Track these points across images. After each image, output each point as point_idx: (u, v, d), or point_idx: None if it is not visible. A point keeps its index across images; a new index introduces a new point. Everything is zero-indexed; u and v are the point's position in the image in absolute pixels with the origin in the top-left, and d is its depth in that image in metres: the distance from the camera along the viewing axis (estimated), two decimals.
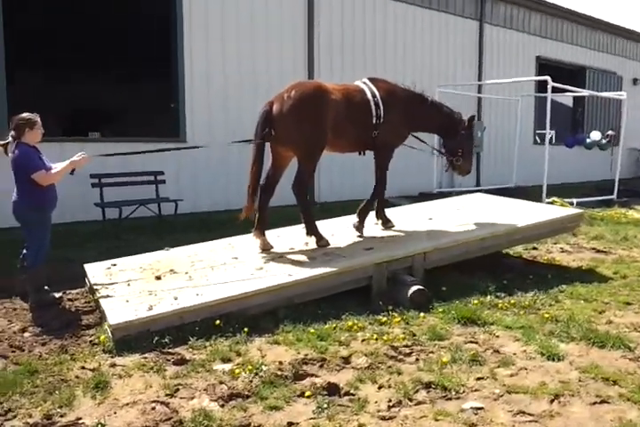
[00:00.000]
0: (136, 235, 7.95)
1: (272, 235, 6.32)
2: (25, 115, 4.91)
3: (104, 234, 7.89)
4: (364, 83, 6.21)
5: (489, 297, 5.24)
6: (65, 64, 13.89)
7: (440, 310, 4.86)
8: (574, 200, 11.55)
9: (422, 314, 4.77)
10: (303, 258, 5.41)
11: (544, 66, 16.48)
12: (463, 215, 6.80)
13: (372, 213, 6.46)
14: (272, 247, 5.76)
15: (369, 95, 6.02)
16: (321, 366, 3.82)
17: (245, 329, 4.32)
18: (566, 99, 18.13)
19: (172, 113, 9.73)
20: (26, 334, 4.45)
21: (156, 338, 4.13)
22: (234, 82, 10.14)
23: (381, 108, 6.01)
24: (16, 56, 12.12)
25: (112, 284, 5.03)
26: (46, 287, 5.24)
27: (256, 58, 10.45)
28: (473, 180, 14.83)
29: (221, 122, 9.88)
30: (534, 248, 7.66)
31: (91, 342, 4.26)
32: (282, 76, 9.99)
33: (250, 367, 3.72)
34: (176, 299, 4.51)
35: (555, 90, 12.29)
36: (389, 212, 6.65)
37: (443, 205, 7.68)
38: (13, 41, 11.50)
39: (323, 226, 6.37)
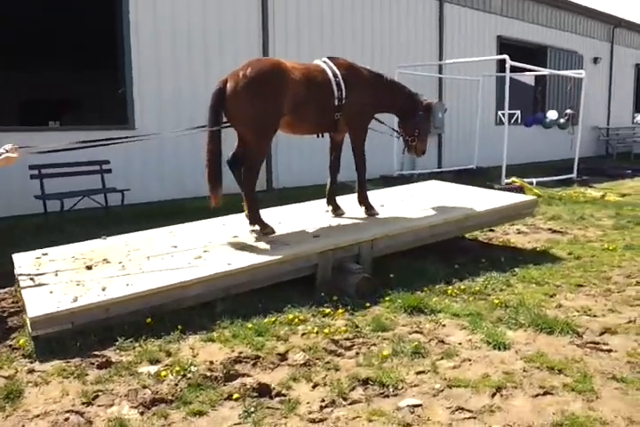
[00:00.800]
0: (81, 227, 7.56)
1: (217, 223, 6.07)
2: None
3: (46, 228, 7.50)
4: (325, 62, 5.90)
5: (439, 284, 5.08)
6: (18, 52, 13.34)
7: (387, 299, 4.67)
8: (534, 180, 11.49)
9: (368, 304, 4.58)
10: (245, 246, 5.14)
11: (505, 45, 16.33)
12: (416, 202, 6.63)
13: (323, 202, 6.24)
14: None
15: (330, 75, 5.72)
16: (254, 365, 3.60)
17: (179, 327, 4.07)
18: (530, 79, 18.09)
19: (121, 99, 9.30)
20: None
21: (82, 340, 3.86)
22: (185, 64, 9.73)
23: (343, 88, 5.73)
24: None
25: (38, 274, 4.66)
26: None
27: (207, 36, 10.03)
28: (435, 161, 14.71)
29: (172, 107, 9.49)
30: (491, 230, 7.52)
31: (10, 346, 3.94)
32: (236, 58, 9.60)
33: (178, 369, 3.47)
34: (104, 289, 4.19)
35: (516, 69, 12.17)
36: (340, 199, 6.42)
37: (396, 193, 7.49)
38: None
39: (272, 213, 6.14)
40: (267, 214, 5.83)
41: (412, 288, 4.89)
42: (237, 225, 5.89)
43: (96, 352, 3.75)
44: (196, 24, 9.90)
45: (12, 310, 4.67)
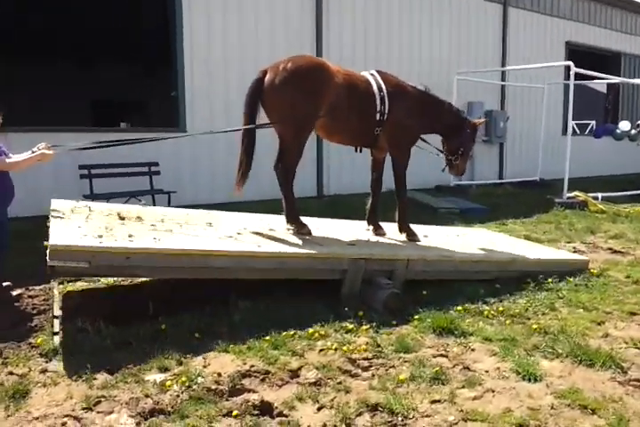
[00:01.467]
0: None
1: (256, 217, 6.09)
2: None
3: None
4: (372, 75, 5.69)
5: (475, 304, 4.77)
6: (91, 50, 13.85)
7: (416, 317, 4.41)
8: (599, 195, 10.82)
9: (394, 322, 4.33)
10: (278, 238, 5.06)
11: (576, 52, 15.57)
12: (461, 240, 6.34)
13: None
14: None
15: (375, 88, 5.51)
16: (263, 380, 3.45)
17: (196, 334, 3.98)
18: (605, 87, 17.22)
19: (172, 102, 9.43)
20: None
21: (97, 342, 3.84)
22: (235, 68, 9.76)
23: (387, 104, 5.50)
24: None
25: (71, 217, 4.70)
26: (8, 283, 5.02)
27: (260, 45, 10.04)
28: (495, 172, 14.19)
29: (222, 110, 9.53)
30: None
31: (30, 344, 3.97)
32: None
33: (184, 379, 3.37)
34: (130, 236, 4.19)
35: (585, 77, 11.55)
36: (383, 224, 6.17)
37: (442, 229, 7.22)
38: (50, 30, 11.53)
39: (312, 222, 5.99)
40: (306, 221, 5.69)
41: (444, 307, 4.61)
42: (275, 221, 5.81)
43: (108, 355, 3.72)
44: (247, 26, 9.92)
45: (41, 307, 4.74)
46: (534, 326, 4.28)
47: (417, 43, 12.38)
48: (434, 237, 6.23)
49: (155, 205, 8.35)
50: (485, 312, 4.59)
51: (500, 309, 4.66)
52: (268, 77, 5.15)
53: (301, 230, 5.34)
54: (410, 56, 12.10)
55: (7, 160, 4.56)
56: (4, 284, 4.93)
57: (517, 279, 5.42)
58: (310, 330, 4.12)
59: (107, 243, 3.96)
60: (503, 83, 13.88)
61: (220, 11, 9.57)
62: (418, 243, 5.78)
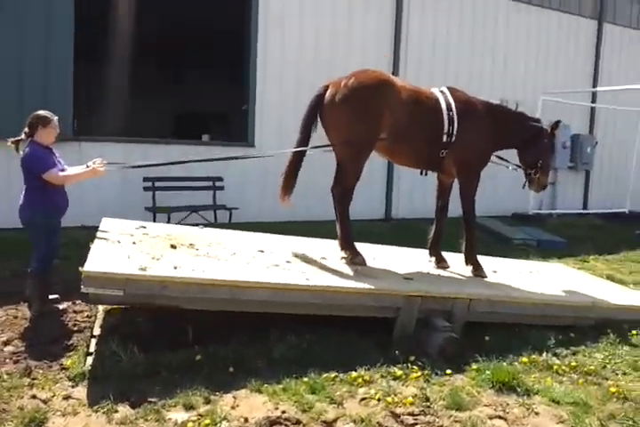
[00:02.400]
0: None
1: (310, 242, 5.83)
2: (41, 112, 4.63)
3: None
4: (442, 92, 5.28)
5: (544, 355, 4.23)
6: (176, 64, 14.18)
7: (474, 367, 3.94)
8: None
9: (449, 371, 3.88)
10: (329, 269, 4.72)
11: None
12: (533, 278, 5.76)
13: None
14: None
15: (443, 106, 5.10)
16: None
17: (230, 368, 3.71)
18: None
19: (243, 116, 9.38)
20: (7, 348, 4.12)
21: (128, 369, 3.64)
22: (308, 84, 9.59)
23: (455, 125, 5.08)
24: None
25: (118, 240, 4.55)
26: (56, 296, 4.97)
27: (333, 56, 9.83)
28: (579, 201, 13.25)
29: (293, 127, 9.36)
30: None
31: (61, 365, 3.84)
32: None
33: (207, 422, 3.10)
34: (174, 265, 3.98)
35: None
36: (447, 254, 5.73)
37: (514, 263, 6.60)
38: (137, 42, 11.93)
39: (369, 249, 5.63)
40: (363, 249, 5.34)
41: (508, 357, 4.11)
42: (329, 248, 5.48)
43: (135, 386, 3.51)
44: (322, 44, 9.75)
45: (82, 324, 4.62)
46: (612, 389, 3.71)
47: (501, 58, 11.78)
48: (503, 272, 5.71)
49: (216, 221, 8.28)
50: (555, 367, 4.05)
51: (573, 364, 4.10)
52: (328, 93, 4.91)
53: (355, 259, 4.99)
54: (492, 71, 11.53)
55: (60, 173, 4.52)
56: (52, 296, 4.88)
57: (596, 328, 4.82)
58: (354, 374, 3.75)
59: (147, 271, 3.77)
60: (593, 105, 12.99)
61: (295, 29, 9.46)
62: (484, 279, 5.27)
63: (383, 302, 4.31)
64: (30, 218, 4.57)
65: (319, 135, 5.11)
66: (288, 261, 4.71)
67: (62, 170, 4.63)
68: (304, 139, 5.06)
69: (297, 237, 6.07)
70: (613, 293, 5.67)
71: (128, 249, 4.33)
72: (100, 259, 3.86)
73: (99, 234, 4.61)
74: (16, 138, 4.60)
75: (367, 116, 4.77)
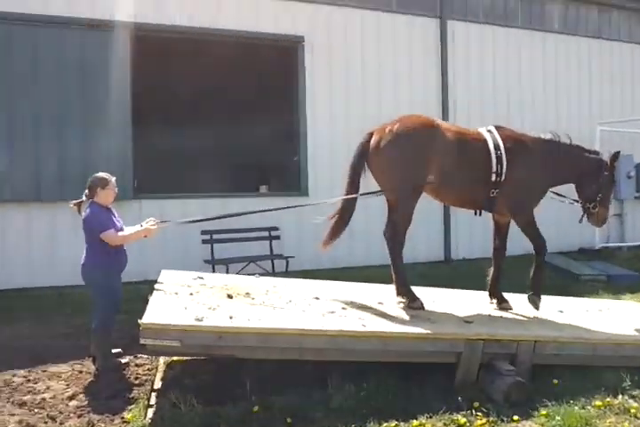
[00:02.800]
0: None
1: (367, 288, 5.78)
2: (99, 174, 4.90)
3: None
4: (489, 131, 5.25)
5: (619, 397, 3.95)
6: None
7: (543, 412, 3.73)
8: None
9: (516, 417, 3.68)
10: (386, 314, 4.64)
11: None
12: (604, 316, 5.47)
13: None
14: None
15: (491, 146, 5.06)
16: None
17: (288, 420, 3.66)
18: None
19: (295, 167, 9.60)
20: (72, 403, 4.23)
21: (188, 418, 3.66)
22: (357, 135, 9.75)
23: (504, 163, 5.01)
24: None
25: (176, 291, 4.66)
26: (119, 350, 5.10)
27: (382, 107, 9.99)
28: None
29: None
30: None
31: (122, 418, 3.90)
32: None
33: None
34: (230, 316, 4.02)
35: None
36: (510, 295, 5.54)
37: (582, 302, 6.30)
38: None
39: (428, 293, 5.53)
40: (421, 292, 5.25)
41: (579, 401, 3.87)
42: (386, 293, 5.40)
43: None
44: (371, 96, 9.95)
45: (143, 377, 4.70)
46: None
47: (551, 91, 11.61)
48: (570, 311, 5.44)
49: (274, 270, 8.35)
50: (633, 410, 3.78)
51: None
52: (373, 140, 4.98)
53: (412, 304, 4.90)
54: (544, 106, 11.36)
55: (119, 234, 4.73)
56: (114, 350, 5.00)
57: None
58: (415, 422, 3.63)
59: (203, 322, 3.84)
60: None
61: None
62: (549, 319, 5.03)
63: (443, 346, 4.18)
64: (91, 276, 4.76)
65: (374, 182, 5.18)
66: (344, 308, 4.68)
67: (121, 229, 4.85)
68: (352, 186, 5.10)
69: (353, 282, 6.04)
70: None
71: (185, 300, 4.43)
72: (158, 311, 3.97)
73: (157, 286, 4.76)
74: (77, 200, 4.88)
75: (413, 160, 4.81)
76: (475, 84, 10.84)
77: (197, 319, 3.85)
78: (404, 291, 5.03)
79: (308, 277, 8.37)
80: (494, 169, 5.00)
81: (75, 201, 4.87)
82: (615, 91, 12.39)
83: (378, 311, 4.71)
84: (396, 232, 4.99)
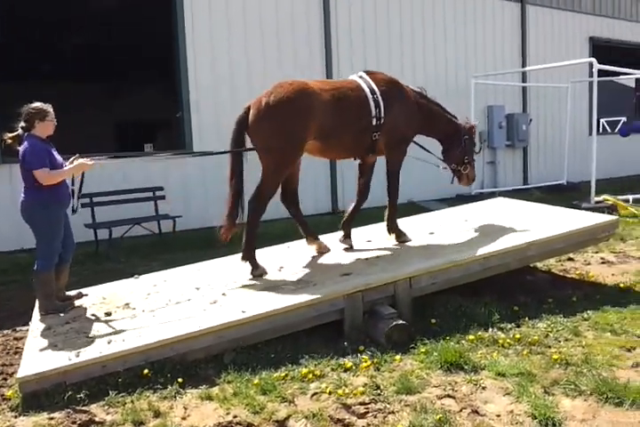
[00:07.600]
0: (132, 256, 7.49)
1: (244, 268, 5.27)
2: (36, 104, 4.49)
3: (95, 257, 7.49)
4: (361, 77, 5.38)
5: (490, 330, 4.33)
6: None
7: (422, 350, 4.00)
8: (630, 197, 10.19)
9: (398, 356, 3.93)
10: (266, 287, 4.65)
11: (602, 48, 14.92)
12: (471, 227, 5.87)
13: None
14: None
15: (367, 92, 5.19)
16: None
17: (179, 380, 3.66)
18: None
19: (178, 124, 9.24)
20: None
21: (72, 392, 3.54)
22: (242, 88, 9.53)
23: (382, 106, 5.19)
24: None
25: (50, 326, 4.36)
26: (79, 291, 4.92)
27: (267, 59, 9.79)
28: (519, 177, 13.60)
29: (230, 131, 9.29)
30: (570, 259, 6.60)
31: (2, 395, 3.71)
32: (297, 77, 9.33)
33: None
34: (109, 343, 3.89)
35: (614, 73, 11.01)
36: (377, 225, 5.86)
37: (450, 215, 6.75)
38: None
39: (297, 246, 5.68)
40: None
41: (455, 337, 4.19)
42: (271, 258, 5.44)
43: (83, 408, 3.43)
44: (253, 45, 9.70)
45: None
46: (555, 357, 3.83)
47: (430, 45, 11.93)
48: (440, 232, 5.83)
49: (160, 231, 8.12)
50: (501, 341, 4.14)
51: (517, 336, 4.20)
52: (251, 114, 4.91)
53: (254, 271, 4.95)
54: (423, 60, 11.68)
55: (55, 171, 4.38)
56: (73, 292, 4.92)
57: (539, 300, 4.97)
58: (304, 370, 3.75)
59: (81, 357, 3.69)
60: (523, 84, 13.34)
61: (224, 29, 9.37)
62: (422, 247, 5.33)
63: (325, 308, 4.26)
64: (30, 212, 4.44)
65: None
66: (224, 294, 4.62)
67: (60, 164, 4.51)
68: (235, 164, 5.02)
69: (229, 257, 5.67)
70: (551, 219, 5.81)
71: (61, 334, 4.16)
72: (33, 358, 3.79)
73: (30, 327, 4.44)
74: (13, 133, 4.46)
75: (290, 130, 4.82)
76: (356, 29, 10.85)
77: (77, 355, 3.71)
78: (248, 257, 5.00)
79: (195, 237, 8.28)
80: (374, 113, 5.16)
81: (10, 134, 4.46)
82: (488, 44, 12.96)
83: (258, 287, 4.66)
84: (259, 195, 4.92)
